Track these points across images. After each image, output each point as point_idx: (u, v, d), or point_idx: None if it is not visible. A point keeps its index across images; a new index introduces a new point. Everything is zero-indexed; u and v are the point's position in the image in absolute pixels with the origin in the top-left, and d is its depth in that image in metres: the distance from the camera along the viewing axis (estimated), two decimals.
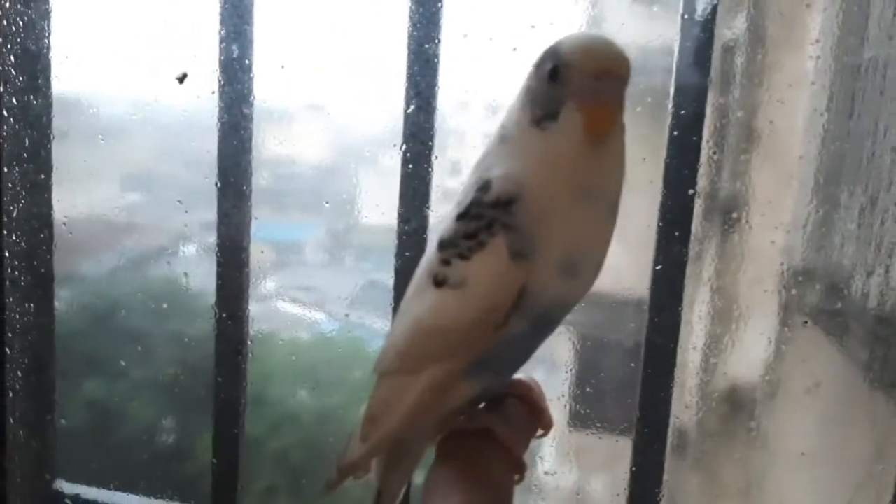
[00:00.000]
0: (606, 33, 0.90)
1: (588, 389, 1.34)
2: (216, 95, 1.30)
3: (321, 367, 1.76)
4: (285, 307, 1.70)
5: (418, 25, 1.18)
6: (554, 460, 1.43)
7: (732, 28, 1.21)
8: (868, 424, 1.21)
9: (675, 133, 1.14)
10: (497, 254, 0.63)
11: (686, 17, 1.12)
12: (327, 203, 1.54)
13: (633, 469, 1.25)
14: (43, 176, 1.44)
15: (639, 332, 1.22)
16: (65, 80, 1.44)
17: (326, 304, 1.69)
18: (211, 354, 1.38)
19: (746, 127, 1.20)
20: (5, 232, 1.39)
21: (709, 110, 1.15)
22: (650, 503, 1.25)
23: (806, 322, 1.24)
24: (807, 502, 1.33)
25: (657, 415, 1.22)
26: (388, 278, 1.27)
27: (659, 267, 1.18)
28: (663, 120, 1.14)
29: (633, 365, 1.23)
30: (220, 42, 1.28)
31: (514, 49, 1.14)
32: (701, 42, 1.12)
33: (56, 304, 1.51)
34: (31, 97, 1.41)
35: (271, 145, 1.41)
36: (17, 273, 1.43)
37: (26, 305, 1.46)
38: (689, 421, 1.33)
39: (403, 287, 0.73)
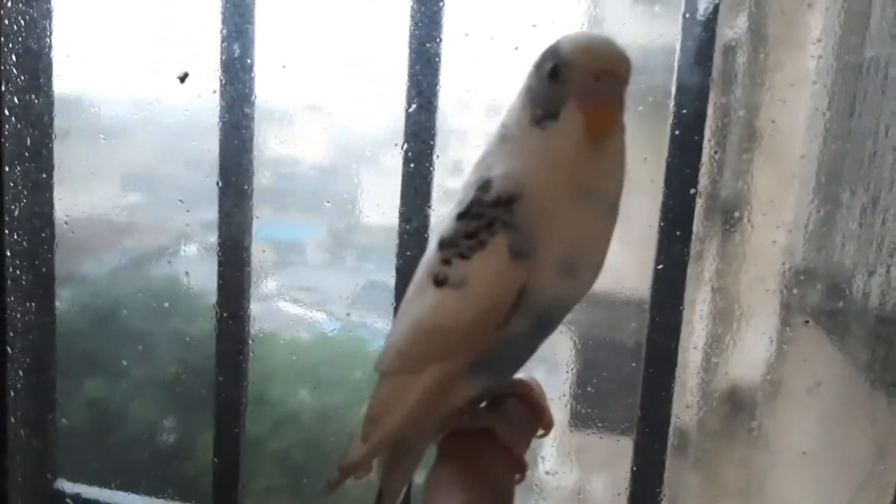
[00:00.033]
0: (608, 33, 0.89)
1: (589, 389, 1.33)
2: (217, 95, 1.30)
3: (322, 367, 1.76)
4: (286, 307, 1.69)
5: (420, 24, 1.18)
6: (555, 460, 1.43)
7: (734, 27, 1.21)
8: (869, 424, 1.21)
9: (677, 132, 1.14)
10: (497, 253, 0.63)
11: (687, 16, 1.12)
12: (328, 203, 1.54)
13: (634, 469, 1.25)
14: (44, 175, 1.44)
15: (640, 332, 1.22)
16: (66, 79, 1.44)
17: (327, 304, 1.69)
18: (212, 354, 1.38)
19: (748, 126, 1.20)
20: (6, 231, 1.39)
21: (710, 110, 1.15)
22: (651, 503, 1.25)
23: (807, 322, 1.24)
24: (808, 502, 1.33)
25: (658, 414, 1.22)
26: (390, 278, 1.27)
27: (660, 266, 1.18)
28: (665, 119, 1.14)
29: (634, 364, 1.23)
30: (222, 41, 1.28)
31: (516, 48, 1.14)
32: (702, 41, 1.12)
33: (57, 303, 1.51)
34: (33, 96, 1.41)
35: (272, 145, 1.41)
36: (18, 272, 1.43)
37: (27, 305, 1.46)
38: (690, 420, 1.33)
39: (404, 287, 0.73)
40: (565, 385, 1.33)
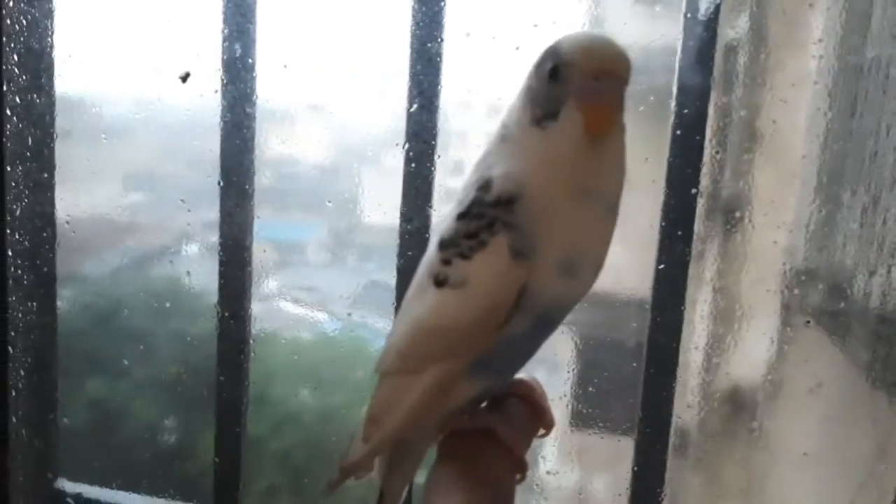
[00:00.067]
0: (609, 33, 0.89)
1: (590, 389, 1.33)
2: (219, 94, 1.30)
3: (323, 367, 1.76)
4: (287, 306, 1.69)
5: (421, 24, 1.18)
6: (556, 460, 1.43)
7: (735, 27, 1.21)
8: (870, 424, 1.20)
9: (678, 132, 1.14)
10: (498, 253, 0.63)
11: (689, 16, 1.12)
12: (330, 202, 1.54)
13: (635, 469, 1.25)
14: (46, 175, 1.44)
15: (641, 332, 1.22)
16: (68, 79, 1.44)
17: (328, 304, 1.69)
18: (213, 354, 1.38)
19: (749, 126, 1.20)
20: (8, 231, 1.39)
21: (711, 110, 1.15)
22: (652, 503, 1.25)
23: (808, 322, 1.24)
24: (808, 502, 1.33)
25: (659, 415, 1.22)
26: (391, 278, 1.27)
27: (661, 266, 1.18)
28: (666, 119, 1.14)
29: (635, 365, 1.23)
30: (223, 41, 1.28)
31: (517, 48, 1.14)
32: (704, 41, 1.12)
33: (58, 303, 1.51)
34: (34, 96, 1.41)
35: (274, 144, 1.41)
36: (19, 272, 1.43)
37: (29, 304, 1.46)
38: (692, 421, 1.33)
39: (406, 287, 0.73)
40: (566, 385, 1.33)
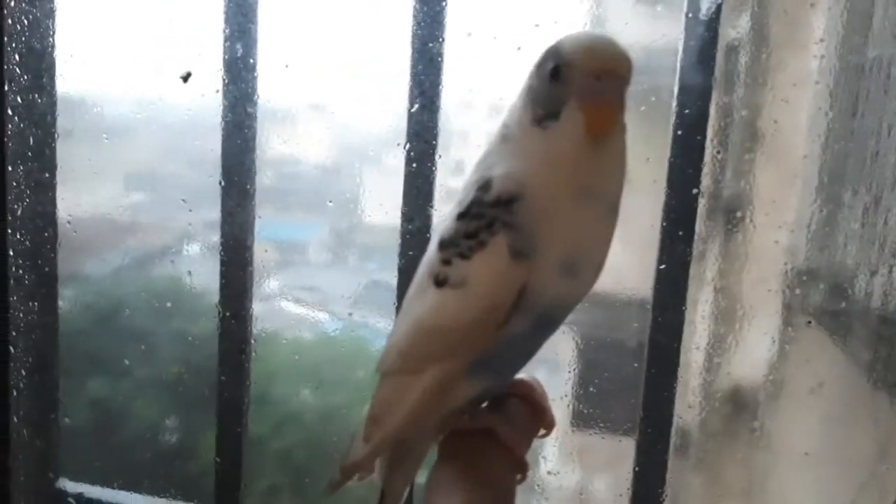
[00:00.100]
0: (610, 32, 0.89)
1: (591, 389, 1.33)
2: (220, 94, 1.30)
3: (324, 367, 1.76)
4: (289, 306, 1.69)
5: (422, 24, 1.18)
6: (557, 460, 1.43)
7: (736, 27, 1.21)
8: (871, 424, 1.20)
9: (679, 132, 1.14)
10: (498, 253, 0.63)
11: (690, 16, 1.12)
12: (331, 202, 1.53)
13: (636, 469, 1.25)
14: (47, 175, 1.44)
15: (642, 332, 1.22)
16: (69, 78, 1.44)
17: (330, 304, 1.68)
18: (214, 353, 1.38)
19: (750, 126, 1.20)
20: (9, 231, 1.39)
21: (713, 110, 1.15)
22: (653, 503, 1.25)
23: (809, 322, 1.24)
24: (810, 502, 1.33)
25: (660, 415, 1.22)
26: (392, 278, 1.27)
27: (662, 266, 1.18)
28: (667, 119, 1.14)
29: (636, 365, 1.23)
30: (225, 41, 1.28)
31: (519, 48, 1.13)
32: (705, 41, 1.12)
33: (60, 302, 1.51)
34: (36, 96, 1.41)
35: (275, 144, 1.41)
36: (21, 272, 1.43)
37: (30, 304, 1.46)
38: (693, 421, 1.33)
39: (407, 287, 0.73)
40: (567, 385, 1.33)
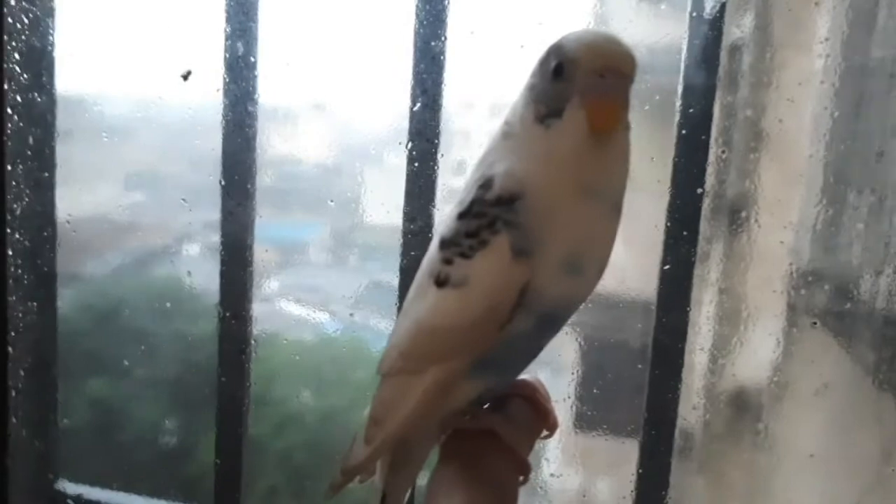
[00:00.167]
0: (613, 31, 0.89)
1: (594, 391, 1.33)
2: (221, 93, 1.30)
3: (325, 368, 1.75)
4: (289, 307, 1.69)
5: (424, 22, 1.18)
6: (560, 462, 1.42)
7: (741, 26, 1.21)
8: (876, 426, 1.20)
9: (684, 132, 1.13)
10: (499, 252, 0.63)
11: (694, 15, 1.11)
12: (332, 202, 1.53)
13: (640, 471, 1.24)
14: (46, 174, 1.44)
15: (646, 334, 1.21)
16: (69, 78, 1.44)
17: (330, 304, 1.68)
18: (214, 354, 1.38)
19: (755, 126, 1.20)
20: (8, 230, 1.39)
21: (717, 109, 1.14)
22: None
23: (814, 323, 1.23)
24: None
25: (664, 416, 1.22)
26: (393, 278, 1.26)
27: (667, 267, 1.17)
28: (671, 119, 1.14)
29: (639, 366, 1.23)
30: (225, 39, 1.28)
31: (522, 46, 1.13)
32: (709, 40, 1.12)
33: (59, 303, 1.51)
34: (35, 95, 1.41)
35: (276, 143, 1.40)
36: (20, 272, 1.43)
37: (29, 304, 1.46)
38: (697, 422, 1.33)
39: (408, 287, 0.73)
40: (570, 387, 1.32)
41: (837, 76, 1.17)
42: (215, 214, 1.34)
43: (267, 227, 1.39)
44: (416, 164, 1.22)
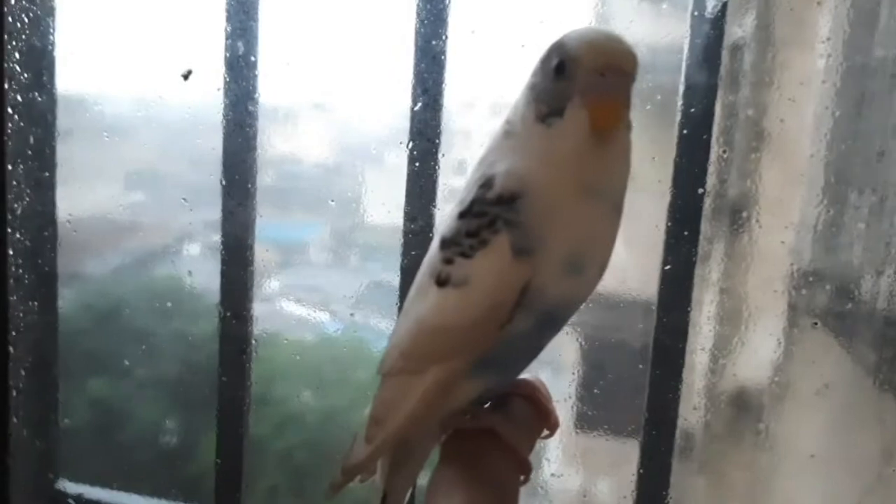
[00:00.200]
0: (615, 30, 0.89)
1: (595, 391, 1.33)
2: (221, 93, 1.30)
3: (326, 368, 1.75)
4: (290, 307, 1.69)
5: (425, 22, 1.18)
6: (560, 462, 1.42)
7: (742, 26, 1.21)
8: (877, 426, 1.20)
9: (685, 132, 1.13)
10: (500, 251, 0.63)
11: (696, 14, 1.11)
12: (332, 202, 1.53)
13: (641, 471, 1.24)
14: (47, 174, 1.44)
15: (646, 334, 1.21)
16: (69, 77, 1.44)
17: (331, 304, 1.68)
18: (215, 354, 1.38)
19: (756, 125, 1.19)
20: (9, 230, 1.39)
21: (718, 109, 1.14)
22: None
23: (815, 323, 1.23)
24: None
25: (665, 417, 1.22)
26: (394, 278, 1.26)
27: (668, 267, 1.17)
28: (672, 118, 1.14)
29: (640, 366, 1.23)
30: (226, 39, 1.28)
31: (523, 46, 1.13)
32: (710, 40, 1.12)
33: (60, 302, 1.51)
34: (36, 95, 1.41)
35: (276, 143, 1.40)
36: (20, 271, 1.43)
37: (30, 304, 1.46)
38: (697, 423, 1.32)
39: (409, 287, 0.73)
40: (571, 387, 1.32)
41: (839, 76, 1.17)
42: (216, 214, 1.34)
43: (267, 226, 1.39)
44: (417, 164, 1.22)
